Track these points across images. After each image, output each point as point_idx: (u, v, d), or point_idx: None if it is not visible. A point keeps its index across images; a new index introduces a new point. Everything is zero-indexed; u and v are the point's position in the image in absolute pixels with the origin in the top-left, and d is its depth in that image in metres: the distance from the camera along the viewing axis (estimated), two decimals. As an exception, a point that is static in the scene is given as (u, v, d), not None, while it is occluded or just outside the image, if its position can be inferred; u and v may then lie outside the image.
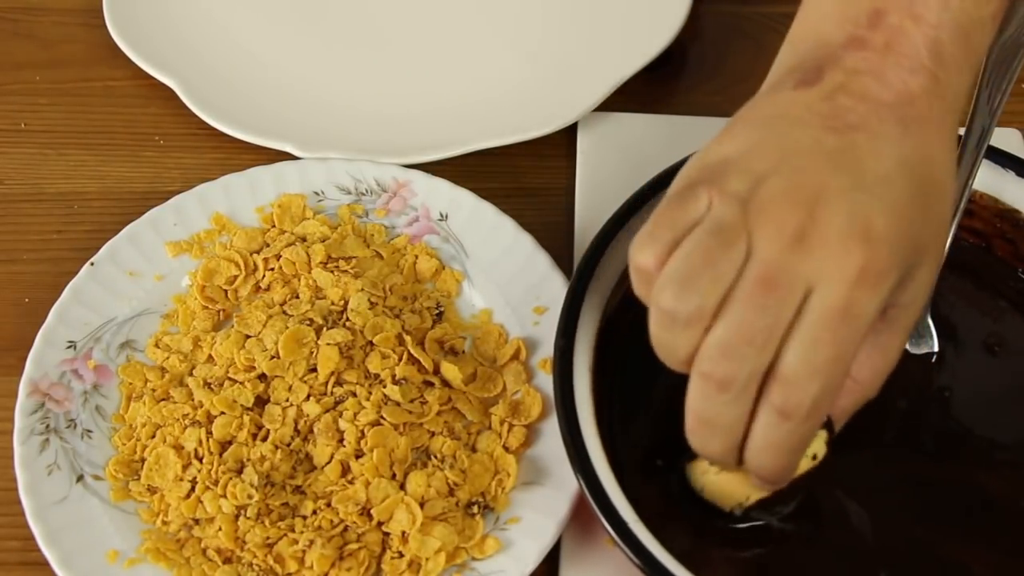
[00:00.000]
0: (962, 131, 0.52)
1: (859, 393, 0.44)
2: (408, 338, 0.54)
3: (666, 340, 0.40)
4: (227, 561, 0.50)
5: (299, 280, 0.57)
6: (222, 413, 0.52)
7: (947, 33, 0.41)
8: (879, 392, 0.44)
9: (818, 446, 0.44)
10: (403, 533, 0.50)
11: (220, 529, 0.50)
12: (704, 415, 0.40)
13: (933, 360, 0.51)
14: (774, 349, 0.39)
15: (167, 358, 0.55)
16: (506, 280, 0.58)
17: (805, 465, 0.44)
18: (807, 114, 0.41)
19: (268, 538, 0.49)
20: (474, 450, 0.53)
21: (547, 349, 0.55)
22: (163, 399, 0.54)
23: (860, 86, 0.41)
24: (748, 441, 0.41)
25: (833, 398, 0.40)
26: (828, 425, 0.44)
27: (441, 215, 0.60)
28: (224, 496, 0.50)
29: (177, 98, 0.65)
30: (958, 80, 0.42)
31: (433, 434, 0.53)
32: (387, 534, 0.50)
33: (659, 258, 0.40)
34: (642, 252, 0.40)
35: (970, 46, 0.42)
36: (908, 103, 0.41)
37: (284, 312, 0.55)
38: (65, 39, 0.71)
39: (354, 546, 0.50)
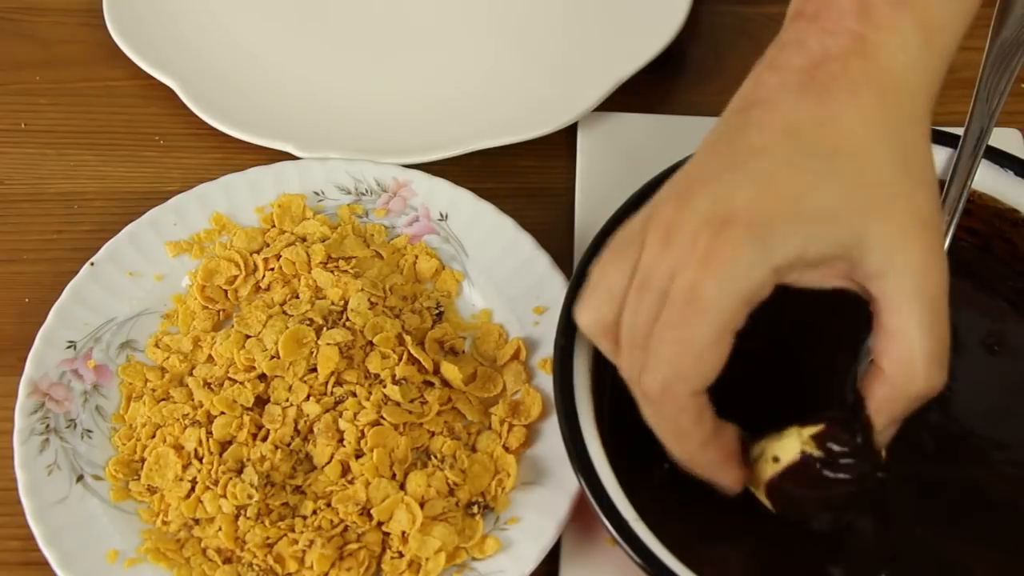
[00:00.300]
0: (960, 130, 0.52)
1: (891, 387, 0.41)
2: (408, 338, 0.54)
3: (598, 344, 0.43)
4: (227, 561, 0.50)
5: (299, 280, 0.57)
6: (222, 413, 0.52)
7: None
8: (936, 391, 0.41)
9: (782, 447, 0.43)
10: (403, 533, 0.50)
11: (220, 529, 0.50)
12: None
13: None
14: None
15: (167, 358, 0.55)
16: (506, 280, 0.58)
17: (769, 469, 0.43)
18: (736, 98, 0.42)
19: (268, 538, 0.49)
20: (474, 450, 0.53)
21: (547, 349, 0.55)
22: (163, 399, 0.54)
23: (783, 57, 0.41)
24: None
25: (692, 382, 0.39)
26: (864, 420, 0.42)
27: (441, 215, 0.60)
28: (224, 496, 0.50)
29: (177, 98, 0.65)
30: (896, 40, 0.41)
31: (433, 434, 0.53)
32: (387, 534, 0.50)
33: (596, 321, 0.43)
34: (579, 317, 0.43)
35: (911, 6, 0.41)
36: (817, 66, 0.40)
37: (284, 312, 0.55)
38: (65, 39, 0.71)
39: (354, 546, 0.50)
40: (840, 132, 0.40)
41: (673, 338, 0.39)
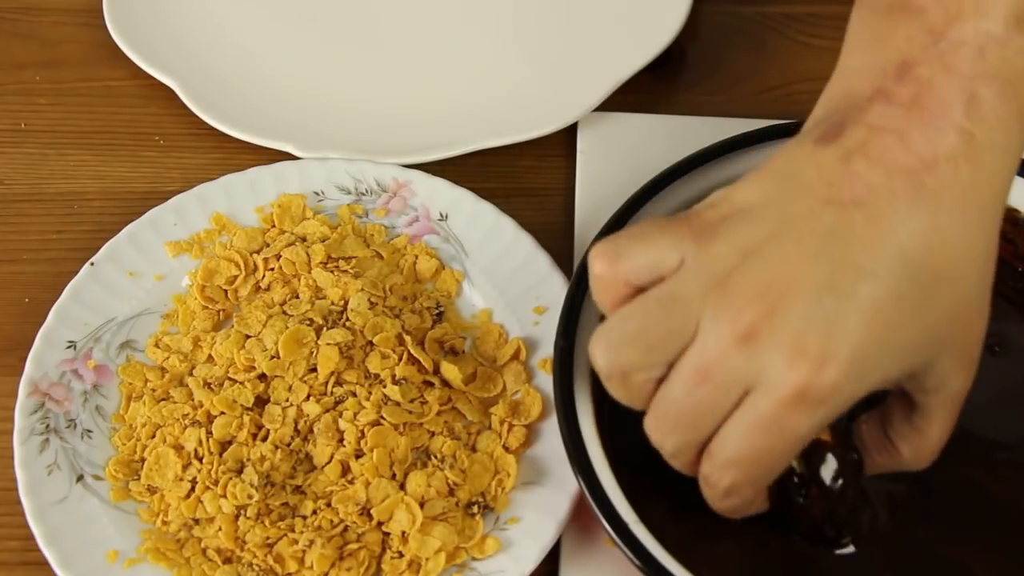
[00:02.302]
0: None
1: (897, 462, 0.45)
2: (408, 338, 0.54)
3: (606, 383, 0.42)
4: (227, 561, 0.50)
5: (299, 280, 0.57)
6: (222, 413, 0.52)
7: (989, 86, 0.37)
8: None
9: None
10: (403, 533, 0.50)
11: (220, 529, 0.50)
12: (669, 458, 0.43)
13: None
14: (701, 433, 0.40)
15: (167, 358, 0.55)
16: (506, 280, 0.58)
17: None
18: (816, 178, 0.38)
19: (268, 538, 0.49)
20: (474, 450, 0.53)
21: (547, 349, 0.55)
22: (163, 399, 0.54)
23: (879, 146, 0.37)
24: None
25: (758, 486, 0.42)
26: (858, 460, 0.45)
27: (441, 215, 0.60)
28: (224, 496, 0.50)
29: (177, 98, 0.65)
30: (1002, 140, 0.37)
31: (433, 434, 0.53)
32: (387, 534, 0.50)
33: (611, 276, 0.40)
34: (599, 260, 0.40)
35: (1020, 102, 0.37)
36: (928, 168, 0.37)
37: (284, 312, 0.55)
38: (65, 39, 0.71)
39: (354, 546, 0.50)
40: (945, 254, 0.37)
41: (751, 452, 0.39)
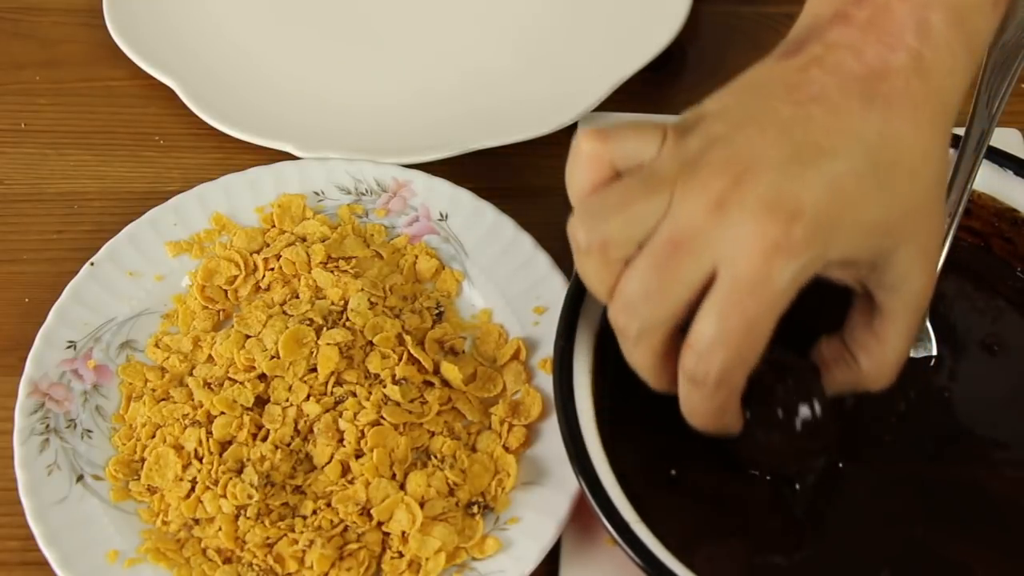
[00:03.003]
0: (960, 130, 0.52)
1: (856, 376, 0.45)
2: (408, 338, 0.54)
3: (578, 264, 0.42)
4: (227, 561, 0.50)
5: (299, 280, 0.57)
6: (222, 413, 0.52)
7: (938, 13, 0.41)
8: (883, 389, 0.45)
9: None
10: (403, 533, 0.50)
11: (220, 529, 0.50)
12: (623, 349, 0.43)
13: (932, 360, 0.51)
14: (671, 308, 0.40)
15: (167, 358, 0.55)
16: (506, 280, 0.58)
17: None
18: (777, 84, 0.41)
19: (268, 538, 0.49)
20: (474, 450, 0.53)
21: (547, 349, 0.55)
22: (163, 399, 0.54)
23: (834, 59, 0.41)
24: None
25: (747, 367, 0.41)
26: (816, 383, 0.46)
27: (441, 215, 0.60)
28: (224, 496, 0.50)
29: (177, 98, 0.65)
30: (949, 62, 0.41)
31: (433, 434, 0.53)
32: (387, 534, 0.50)
33: (598, 154, 0.41)
34: (589, 138, 0.42)
35: (965, 30, 0.41)
36: (880, 78, 0.40)
37: (284, 312, 0.55)
38: (65, 39, 0.71)
39: (354, 546, 0.50)
40: (900, 150, 0.40)
41: (735, 327, 0.39)
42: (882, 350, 0.44)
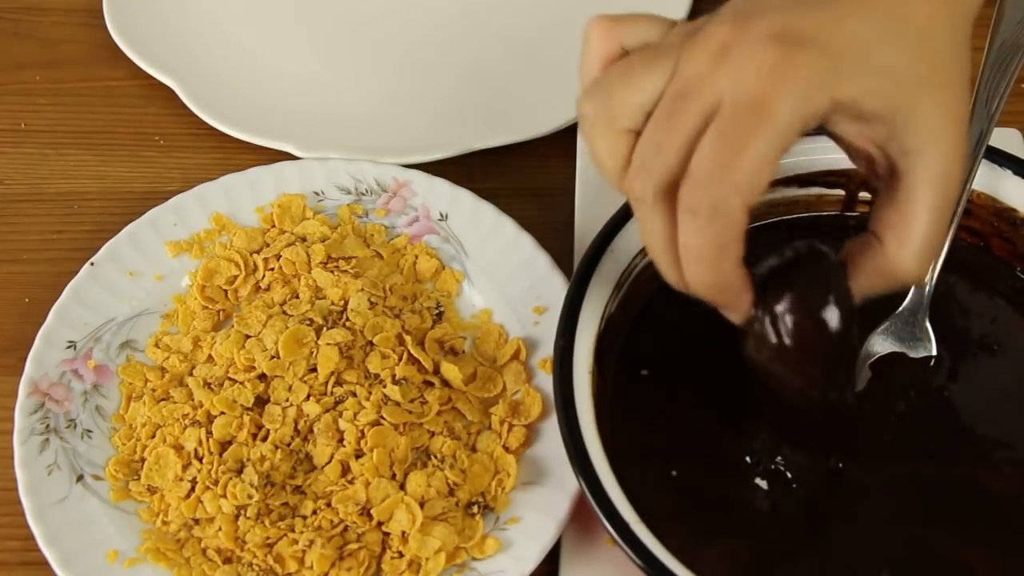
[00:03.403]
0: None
1: (882, 262, 0.42)
2: (408, 338, 0.54)
3: (588, 141, 0.41)
4: (227, 561, 0.50)
5: (299, 280, 0.57)
6: (222, 413, 0.52)
7: None
8: (912, 281, 0.43)
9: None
10: (403, 533, 0.50)
11: (220, 529, 0.50)
12: (642, 230, 0.41)
13: (932, 360, 0.51)
14: (682, 156, 0.39)
15: (167, 358, 0.55)
16: (506, 280, 0.58)
17: None
18: None
19: (268, 538, 0.49)
20: (474, 450, 0.53)
21: (547, 349, 0.55)
22: (163, 399, 0.54)
23: None
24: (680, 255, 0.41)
25: (744, 198, 0.38)
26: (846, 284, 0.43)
27: (441, 215, 0.60)
28: (224, 496, 0.50)
29: (177, 98, 0.65)
30: None
31: (433, 434, 0.53)
32: (387, 534, 0.50)
33: (608, 31, 0.41)
34: (600, 19, 0.42)
35: None
36: None
37: (284, 312, 0.55)
38: (65, 39, 0.71)
39: (354, 546, 0.50)
40: (909, 7, 0.39)
41: (732, 150, 0.38)
42: (908, 226, 0.41)
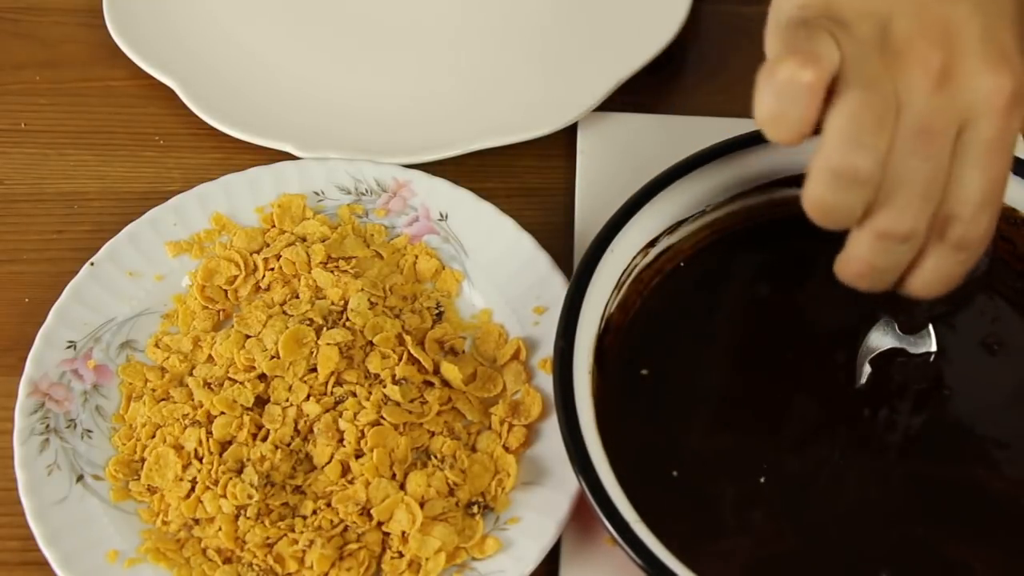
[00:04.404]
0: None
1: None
2: (408, 338, 0.54)
3: (838, 200, 0.40)
4: (227, 561, 0.50)
5: (299, 280, 0.57)
6: (222, 413, 0.52)
7: None
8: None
9: None
10: (403, 533, 0.50)
11: (220, 529, 0.50)
12: (877, 263, 0.42)
13: (932, 360, 0.51)
14: (941, 190, 0.40)
15: (167, 358, 0.55)
16: (506, 280, 0.58)
17: None
18: None
19: (268, 538, 0.49)
20: (474, 450, 0.53)
21: (547, 349, 0.55)
22: (163, 399, 0.54)
23: None
24: (915, 274, 0.43)
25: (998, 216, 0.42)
26: None
27: (441, 215, 0.60)
28: (224, 496, 0.50)
29: (177, 98, 0.65)
30: None
31: (433, 434, 0.53)
32: (387, 534, 0.50)
33: (821, 76, 0.39)
34: (807, 66, 0.39)
35: None
36: None
37: (284, 312, 0.55)
38: (65, 39, 0.71)
39: (354, 546, 0.50)
40: None
41: (994, 185, 0.40)
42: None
